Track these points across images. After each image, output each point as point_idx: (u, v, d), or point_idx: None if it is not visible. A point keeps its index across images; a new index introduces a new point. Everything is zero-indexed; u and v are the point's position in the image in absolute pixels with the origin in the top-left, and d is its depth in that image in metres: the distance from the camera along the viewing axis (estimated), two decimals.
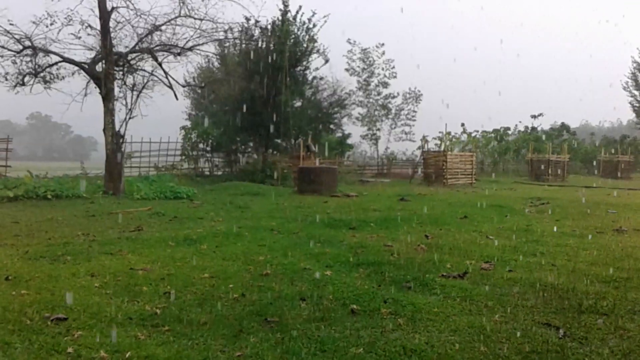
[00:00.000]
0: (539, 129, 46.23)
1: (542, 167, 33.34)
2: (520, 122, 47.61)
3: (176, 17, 18.29)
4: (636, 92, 50.77)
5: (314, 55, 28.80)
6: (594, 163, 39.97)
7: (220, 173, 30.33)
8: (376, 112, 40.21)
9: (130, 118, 18.06)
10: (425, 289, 5.37)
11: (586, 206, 13.92)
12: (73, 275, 5.70)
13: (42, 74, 18.12)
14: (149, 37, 18.43)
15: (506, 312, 4.63)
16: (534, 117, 46.29)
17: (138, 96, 18.68)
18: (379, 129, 40.79)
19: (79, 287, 5.23)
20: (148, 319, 4.36)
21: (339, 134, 33.40)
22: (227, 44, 25.91)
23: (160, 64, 18.72)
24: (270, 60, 26.40)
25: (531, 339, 3.99)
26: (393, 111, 40.71)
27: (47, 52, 17.62)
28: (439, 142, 39.30)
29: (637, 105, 51.56)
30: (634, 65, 50.47)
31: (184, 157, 29.18)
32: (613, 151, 40.34)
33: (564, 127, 48.56)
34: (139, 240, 8.03)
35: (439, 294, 5.20)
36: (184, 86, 22.54)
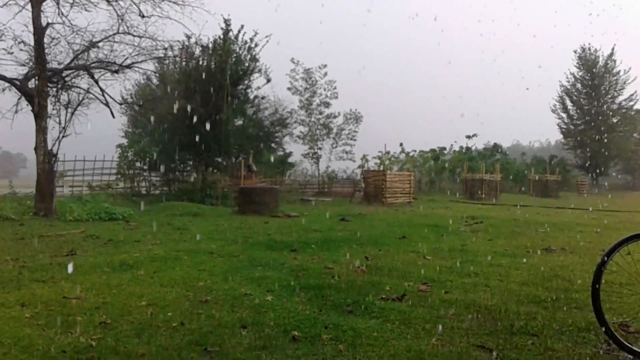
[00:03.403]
0: (473, 148, 47.98)
1: (476, 186, 34.57)
2: (455, 142, 49.39)
3: (114, 34, 17.98)
4: (563, 115, 53.69)
5: (256, 75, 28.96)
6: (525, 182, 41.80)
7: (158, 192, 29.64)
8: (318, 131, 40.63)
9: (63, 136, 17.49)
10: (366, 313, 5.45)
11: (517, 225, 14.53)
12: (2, 305, 5.43)
13: None
14: (86, 53, 18.00)
15: (443, 334, 4.77)
16: (468, 137, 48.08)
17: (72, 114, 18.16)
18: (320, 148, 41.24)
19: (8, 318, 4.99)
20: (83, 352, 4.21)
21: (280, 153, 33.50)
22: (167, 62, 25.59)
23: (96, 81, 18.25)
24: (211, 79, 26.28)
25: None
26: (334, 131, 41.27)
27: None
28: (378, 161, 40.07)
29: (564, 127, 54.47)
30: (562, 89, 53.42)
31: (119, 176, 28.35)
32: (542, 171, 42.35)
33: (496, 147, 50.68)
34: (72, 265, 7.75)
35: (378, 317, 5.29)
36: (121, 104, 21.97)
